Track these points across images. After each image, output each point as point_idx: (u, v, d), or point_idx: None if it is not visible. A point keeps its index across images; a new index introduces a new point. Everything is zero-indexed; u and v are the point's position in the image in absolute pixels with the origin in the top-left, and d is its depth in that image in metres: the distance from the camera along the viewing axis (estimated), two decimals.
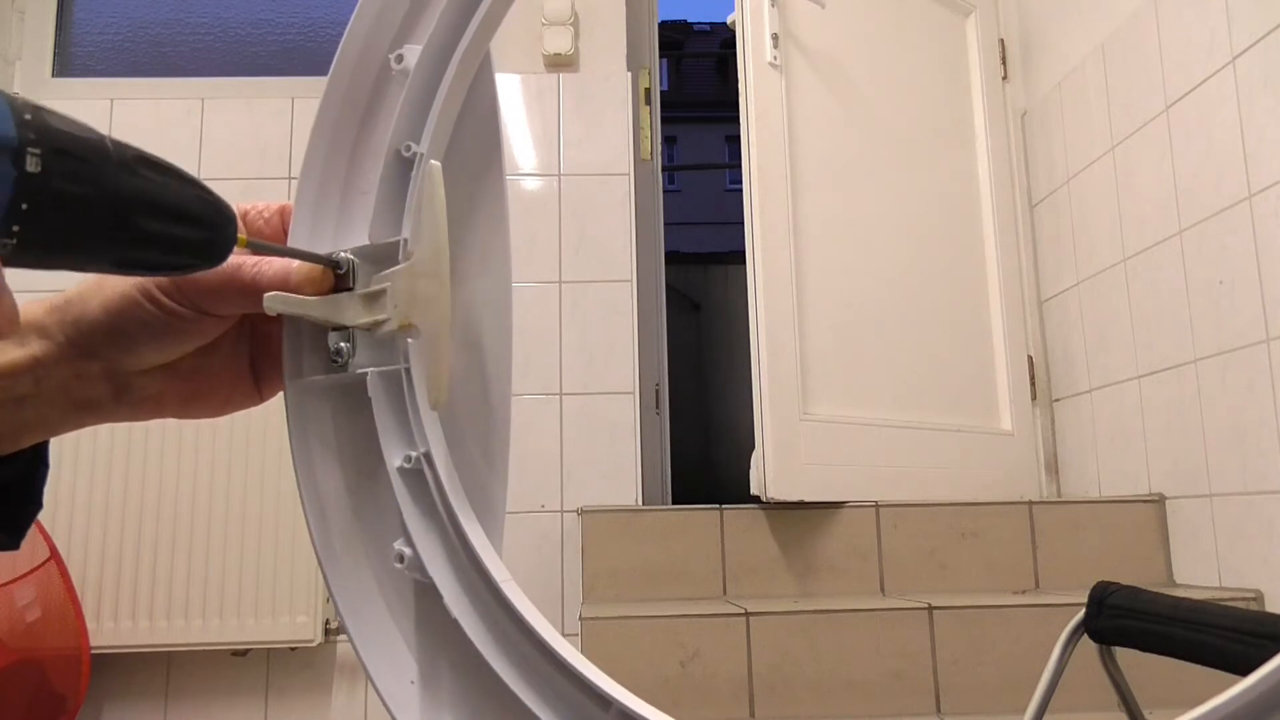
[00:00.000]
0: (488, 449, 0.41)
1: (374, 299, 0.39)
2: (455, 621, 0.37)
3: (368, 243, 0.40)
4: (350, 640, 0.39)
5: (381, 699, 0.38)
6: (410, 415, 0.39)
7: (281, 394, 0.44)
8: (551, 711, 0.36)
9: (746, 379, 2.01)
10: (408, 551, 0.39)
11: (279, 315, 0.42)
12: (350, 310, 0.40)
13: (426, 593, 0.39)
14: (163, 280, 0.38)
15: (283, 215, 0.44)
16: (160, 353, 0.40)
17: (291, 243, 0.42)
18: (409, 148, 0.40)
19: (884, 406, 2.17)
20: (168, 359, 0.40)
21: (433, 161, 0.38)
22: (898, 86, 2.41)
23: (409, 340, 0.39)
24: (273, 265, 0.39)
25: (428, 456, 0.39)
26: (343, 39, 0.41)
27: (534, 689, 0.36)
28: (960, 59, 2.56)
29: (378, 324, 0.39)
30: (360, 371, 0.40)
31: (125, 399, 0.40)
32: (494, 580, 0.37)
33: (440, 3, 0.40)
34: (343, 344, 0.40)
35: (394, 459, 0.39)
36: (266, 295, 0.39)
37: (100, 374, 0.39)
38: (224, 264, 0.37)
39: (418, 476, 0.39)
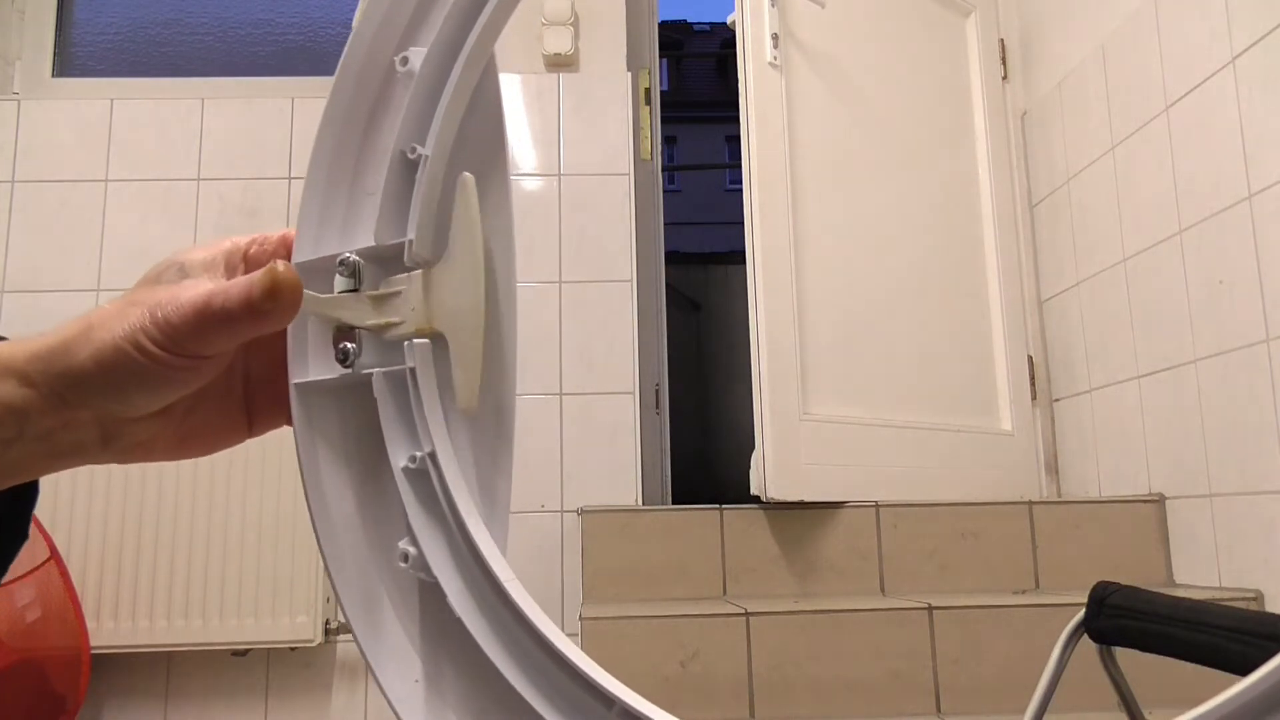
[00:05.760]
0: (492, 448, 0.41)
1: (384, 301, 0.40)
2: (459, 620, 0.37)
3: (374, 244, 0.40)
4: (355, 639, 0.39)
5: (386, 698, 0.38)
6: (415, 415, 0.39)
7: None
8: (555, 709, 0.36)
9: (746, 379, 2.01)
10: (412, 550, 0.39)
11: (267, 344, 0.42)
12: (358, 311, 0.40)
13: (431, 592, 0.39)
14: (150, 329, 0.36)
15: (284, 243, 0.43)
16: (155, 401, 0.38)
17: (297, 246, 0.42)
18: (414, 150, 0.40)
19: (884, 406, 2.18)
20: (162, 405, 0.39)
21: (466, 174, 0.38)
22: (898, 86, 2.41)
23: (413, 342, 0.39)
24: (238, 286, 0.37)
25: (432, 456, 0.39)
26: (348, 42, 0.41)
27: (537, 687, 0.36)
28: (960, 59, 2.56)
29: (388, 326, 0.39)
30: (366, 372, 0.40)
31: (113, 446, 0.39)
32: (498, 579, 0.37)
33: (445, 6, 0.40)
34: (349, 344, 0.40)
35: (399, 459, 0.40)
36: None
37: (90, 421, 0.38)
38: (193, 299, 0.36)
39: (422, 476, 0.39)
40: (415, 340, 0.39)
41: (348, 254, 0.40)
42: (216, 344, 0.37)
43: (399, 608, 0.40)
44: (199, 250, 0.40)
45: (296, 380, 0.41)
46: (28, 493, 0.41)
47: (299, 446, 0.41)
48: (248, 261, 0.41)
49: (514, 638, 0.37)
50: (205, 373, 0.39)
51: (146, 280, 0.39)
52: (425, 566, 0.38)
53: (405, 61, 0.40)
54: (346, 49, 0.41)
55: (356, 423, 0.41)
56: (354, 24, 0.42)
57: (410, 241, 0.40)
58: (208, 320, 0.36)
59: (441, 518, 0.39)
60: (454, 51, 0.40)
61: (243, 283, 0.37)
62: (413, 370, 0.39)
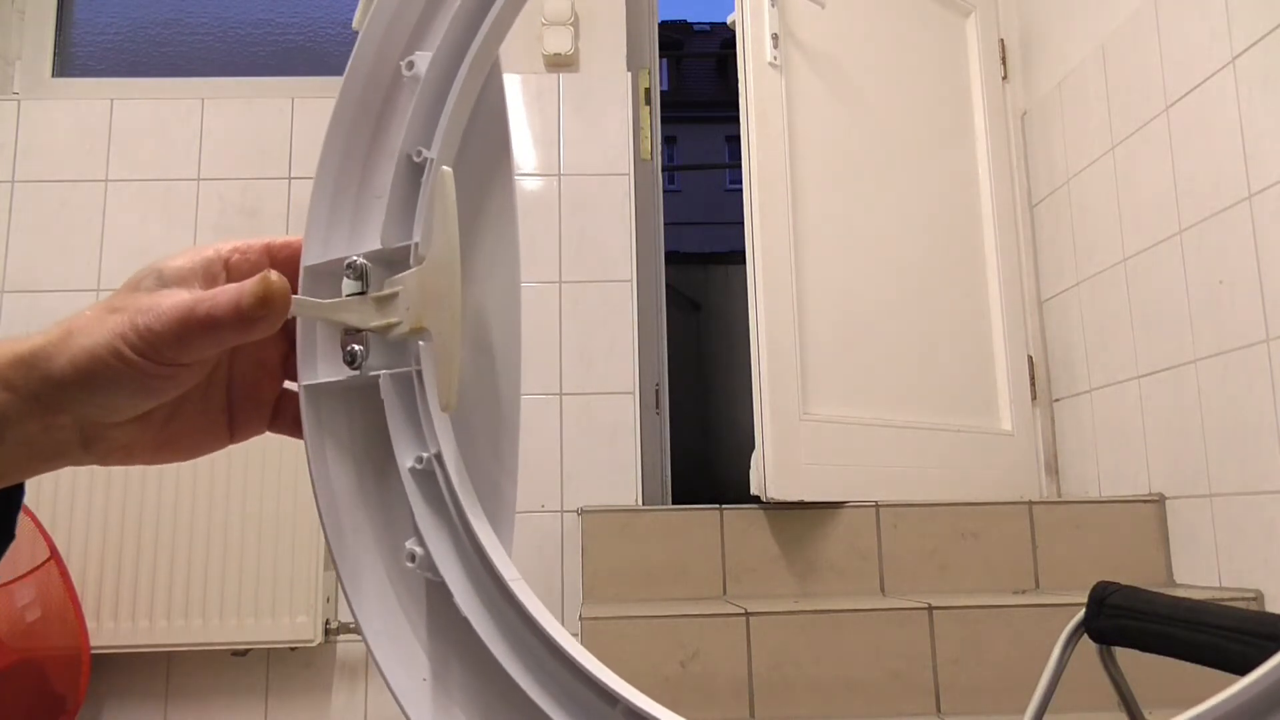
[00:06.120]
0: (498, 449, 0.42)
1: (386, 302, 0.40)
2: (465, 620, 0.38)
3: (380, 246, 0.41)
4: (363, 638, 0.40)
5: (394, 696, 0.38)
6: (421, 417, 0.40)
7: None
8: (559, 708, 0.36)
9: (746, 379, 2.01)
10: (419, 550, 0.39)
11: (250, 352, 0.42)
12: (363, 313, 0.40)
13: (438, 591, 0.39)
14: (129, 336, 0.36)
15: (267, 251, 0.43)
16: (134, 407, 0.38)
17: (306, 248, 0.42)
18: (420, 153, 0.40)
19: (884, 406, 2.18)
20: (141, 411, 0.39)
21: (444, 168, 0.39)
22: (898, 86, 2.41)
23: (420, 343, 0.40)
24: (226, 294, 0.37)
25: (439, 457, 0.39)
26: (355, 46, 0.41)
27: (542, 686, 0.37)
28: (960, 59, 2.57)
29: (390, 326, 0.40)
30: (373, 374, 0.41)
31: (94, 449, 0.39)
32: (503, 579, 0.38)
33: (450, 10, 0.40)
34: (356, 346, 0.41)
35: (406, 460, 0.40)
36: None
37: (70, 425, 0.38)
38: (175, 306, 0.36)
39: (429, 477, 0.40)
40: (421, 342, 0.40)
41: (355, 257, 0.41)
42: (198, 351, 0.37)
43: (406, 607, 0.40)
44: (178, 258, 0.40)
45: (306, 382, 0.42)
46: (13, 494, 0.41)
47: (308, 447, 0.41)
48: (229, 270, 0.41)
49: (519, 636, 0.37)
50: (184, 380, 0.39)
51: (127, 287, 0.39)
52: (432, 566, 0.39)
53: (411, 66, 0.41)
54: (354, 53, 0.41)
55: (364, 424, 0.42)
56: (353, 25, 0.42)
57: (416, 244, 0.40)
58: (191, 328, 0.36)
59: (448, 518, 0.39)
60: (459, 56, 0.40)
61: (231, 290, 0.37)
62: (419, 372, 0.40)
